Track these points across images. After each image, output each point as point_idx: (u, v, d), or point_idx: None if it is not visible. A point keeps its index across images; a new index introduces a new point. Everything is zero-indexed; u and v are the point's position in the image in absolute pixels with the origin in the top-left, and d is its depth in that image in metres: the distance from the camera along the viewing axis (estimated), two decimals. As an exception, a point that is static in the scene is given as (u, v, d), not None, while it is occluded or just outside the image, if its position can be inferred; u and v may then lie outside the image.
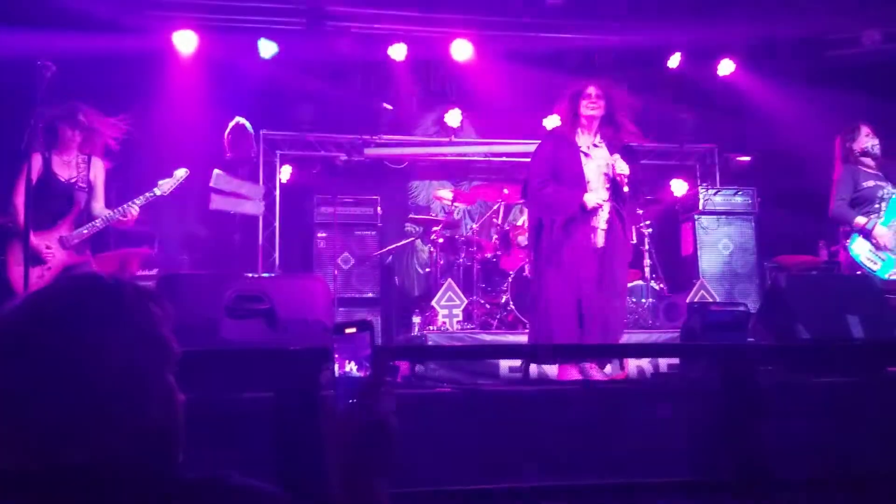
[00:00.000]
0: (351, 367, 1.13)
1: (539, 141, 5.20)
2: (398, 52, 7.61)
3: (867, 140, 5.51)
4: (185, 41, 7.11)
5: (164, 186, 4.86)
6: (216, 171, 6.62)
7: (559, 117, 4.91)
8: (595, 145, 4.70)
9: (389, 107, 7.84)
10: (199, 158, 6.20)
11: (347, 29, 7.45)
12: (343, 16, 7.42)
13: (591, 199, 4.53)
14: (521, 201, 7.22)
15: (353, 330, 1.15)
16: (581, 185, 4.59)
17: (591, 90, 4.67)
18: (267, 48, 7.35)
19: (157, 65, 7.03)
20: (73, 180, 4.67)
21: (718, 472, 2.72)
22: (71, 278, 1.18)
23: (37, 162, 4.52)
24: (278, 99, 7.79)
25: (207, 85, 7.18)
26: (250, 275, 5.91)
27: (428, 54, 7.89)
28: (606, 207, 4.59)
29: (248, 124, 7.11)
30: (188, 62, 7.18)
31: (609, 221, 4.60)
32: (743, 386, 2.77)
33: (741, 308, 3.90)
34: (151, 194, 4.80)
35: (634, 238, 6.06)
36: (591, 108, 4.65)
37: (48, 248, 4.53)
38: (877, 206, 5.43)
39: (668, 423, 2.86)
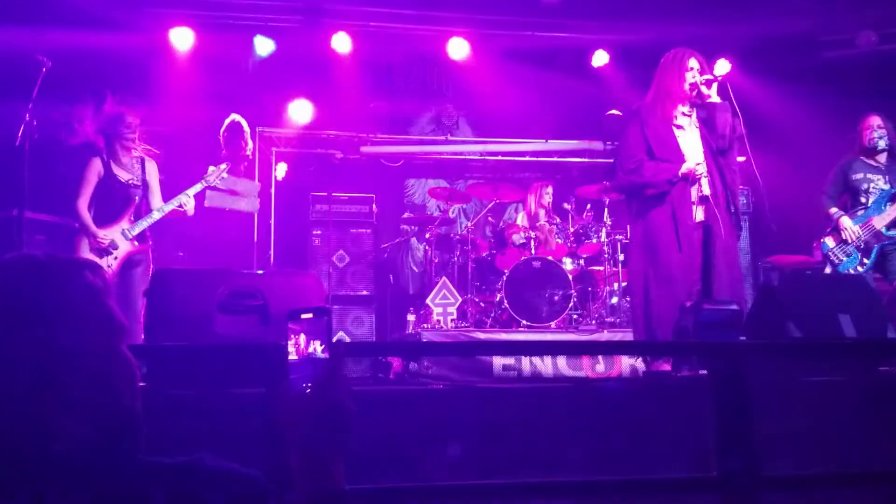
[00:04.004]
0: (314, 348, 1.14)
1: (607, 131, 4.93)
2: (394, 50, 7.62)
3: (867, 133, 5.48)
4: (182, 38, 7.12)
5: (211, 177, 5.43)
6: (211, 167, 6.60)
7: (659, 90, 4.53)
8: (685, 114, 4.50)
9: None
10: (194, 155, 6.21)
11: (344, 27, 7.46)
12: (339, 13, 7.42)
13: (688, 166, 4.30)
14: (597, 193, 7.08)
15: (309, 315, 1.15)
16: (678, 157, 4.37)
17: (695, 63, 4.47)
18: (264, 45, 7.35)
19: (153, 62, 7.03)
20: (130, 181, 5.23)
21: (708, 469, 2.73)
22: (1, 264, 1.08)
23: (97, 166, 5.15)
24: (274, 96, 7.79)
25: (203, 82, 7.17)
26: (244, 271, 5.91)
27: (424, 52, 7.90)
28: (705, 181, 4.34)
29: (243, 121, 7.11)
30: (184, 59, 7.19)
31: (711, 184, 4.34)
32: (734, 384, 2.78)
33: (733, 307, 3.89)
34: (201, 185, 5.37)
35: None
36: (701, 80, 4.42)
37: (112, 240, 5.10)
38: (862, 199, 5.43)
39: (658, 421, 2.88)
